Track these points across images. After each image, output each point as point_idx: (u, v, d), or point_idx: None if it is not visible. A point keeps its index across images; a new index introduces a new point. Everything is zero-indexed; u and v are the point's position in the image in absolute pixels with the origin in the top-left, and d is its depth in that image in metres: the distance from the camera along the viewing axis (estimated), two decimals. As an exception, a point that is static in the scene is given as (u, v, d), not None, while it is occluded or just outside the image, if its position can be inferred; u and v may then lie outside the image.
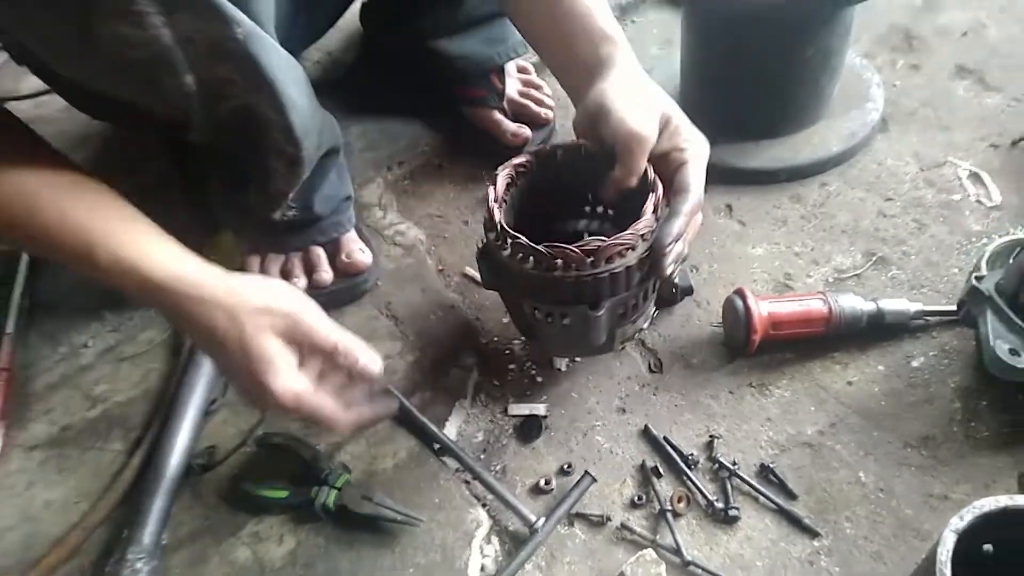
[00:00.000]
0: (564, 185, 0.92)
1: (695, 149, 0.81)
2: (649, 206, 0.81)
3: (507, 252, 0.82)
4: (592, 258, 0.78)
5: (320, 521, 0.85)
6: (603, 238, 0.79)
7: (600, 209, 0.97)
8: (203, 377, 0.96)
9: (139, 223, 0.76)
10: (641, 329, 0.93)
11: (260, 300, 0.72)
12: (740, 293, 0.93)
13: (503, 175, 0.88)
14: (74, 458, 0.93)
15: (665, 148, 0.81)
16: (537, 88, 1.30)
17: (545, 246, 0.79)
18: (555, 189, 0.92)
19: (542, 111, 1.26)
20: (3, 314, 1.03)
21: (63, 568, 0.82)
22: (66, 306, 1.09)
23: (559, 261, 0.79)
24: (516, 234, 0.80)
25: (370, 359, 0.76)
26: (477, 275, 0.93)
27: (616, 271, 0.79)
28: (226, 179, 1.03)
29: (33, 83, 1.43)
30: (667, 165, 0.82)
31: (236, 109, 0.81)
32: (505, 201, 0.88)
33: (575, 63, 0.85)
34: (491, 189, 0.86)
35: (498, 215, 0.83)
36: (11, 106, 1.37)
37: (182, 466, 0.88)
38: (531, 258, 0.80)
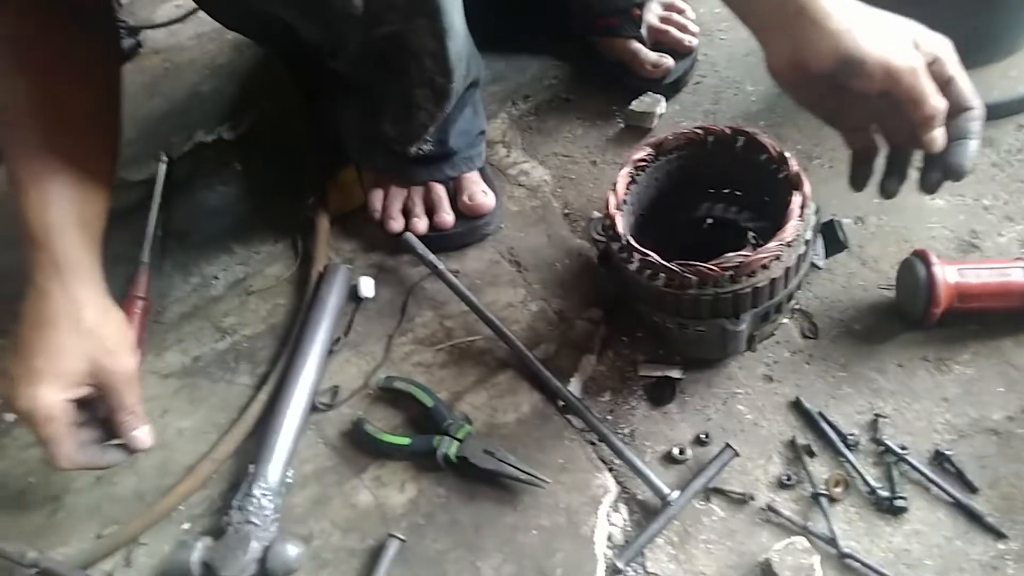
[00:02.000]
0: (701, 172, 0.83)
1: (949, 55, 0.69)
2: (795, 208, 0.73)
3: (634, 266, 0.74)
4: (732, 273, 0.71)
5: (441, 471, 0.82)
6: (745, 253, 0.71)
7: (727, 190, 0.89)
8: (327, 315, 0.94)
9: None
10: (782, 323, 0.84)
11: (97, 341, 0.73)
12: (922, 256, 0.80)
13: (623, 175, 0.79)
14: (205, 388, 0.95)
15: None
16: (680, 12, 1.17)
17: (679, 264, 0.71)
18: (689, 176, 0.83)
19: (685, 38, 1.13)
20: (139, 244, 1.05)
21: (194, 497, 0.84)
22: (197, 237, 1.11)
23: (695, 279, 0.71)
24: (645, 251, 0.73)
25: (144, 438, 0.76)
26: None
27: (759, 285, 0.71)
28: (361, 111, 0.99)
29: (167, 11, 1.45)
30: None
31: (389, 36, 0.78)
32: (626, 202, 0.80)
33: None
34: (611, 194, 0.79)
35: (621, 224, 0.76)
36: (145, 34, 1.40)
37: (307, 404, 0.88)
38: (661, 275, 0.72)
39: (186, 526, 0.83)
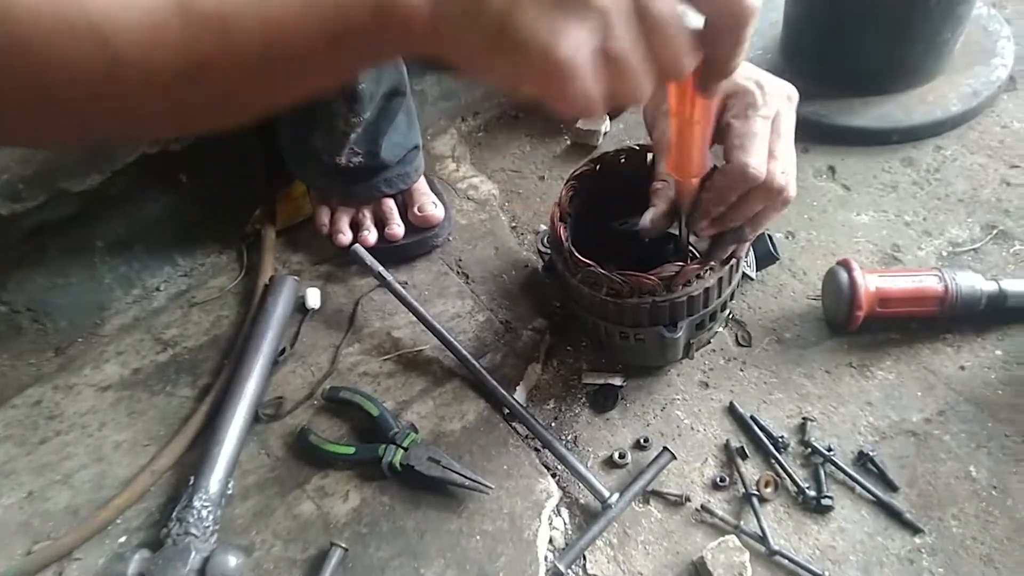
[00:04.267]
0: (629, 187, 0.86)
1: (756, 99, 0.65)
2: None
3: (578, 277, 0.77)
4: (668, 283, 0.74)
5: (386, 480, 0.82)
6: (680, 264, 0.74)
7: None
8: (272, 326, 0.94)
9: None
10: (717, 332, 0.87)
11: None
12: (845, 264, 0.85)
13: (567, 188, 0.83)
14: (144, 401, 0.93)
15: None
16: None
17: (619, 274, 0.74)
18: (620, 190, 0.86)
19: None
20: (81, 257, 1.03)
21: (132, 510, 0.83)
22: (139, 248, 1.09)
23: (634, 288, 0.74)
24: (587, 261, 0.76)
25: None
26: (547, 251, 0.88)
27: (694, 294, 0.75)
28: (294, 122, 1.00)
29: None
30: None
31: None
32: (570, 214, 0.82)
33: None
34: (555, 206, 0.82)
35: (564, 235, 0.79)
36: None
37: (250, 415, 0.87)
38: (604, 286, 0.75)
39: (122, 540, 0.81)
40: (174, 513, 0.78)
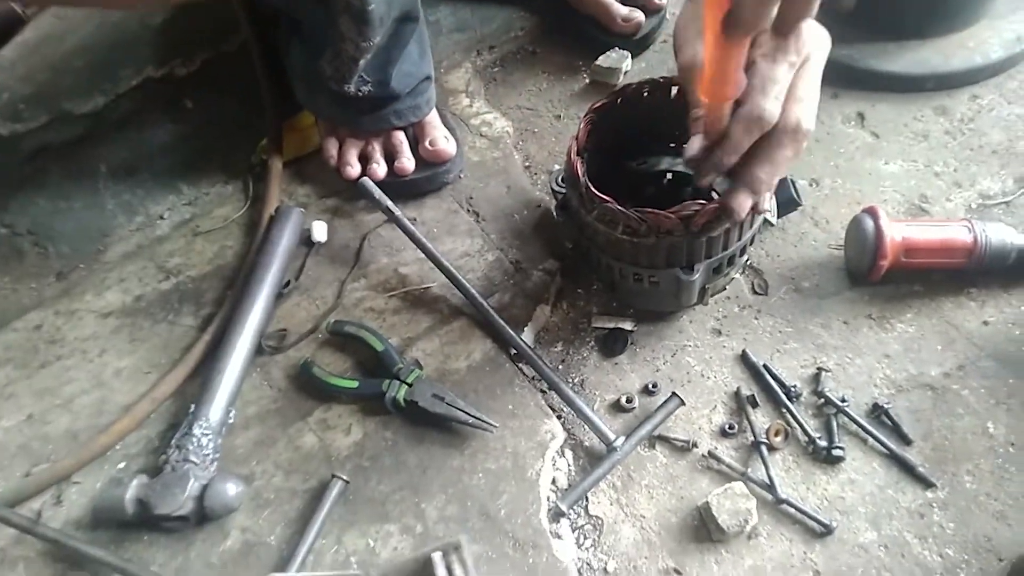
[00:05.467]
0: (650, 124, 0.82)
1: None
2: None
3: (594, 214, 0.74)
4: (689, 223, 0.70)
5: (389, 415, 0.81)
6: (701, 202, 0.71)
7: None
8: (277, 258, 0.92)
9: None
10: (733, 278, 0.84)
11: None
12: (871, 212, 0.81)
13: (585, 121, 0.79)
14: (146, 329, 0.92)
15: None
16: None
17: (636, 211, 0.71)
18: (641, 128, 0.82)
19: (656, -7, 1.12)
20: (84, 182, 1.01)
21: (131, 436, 0.82)
22: (143, 174, 1.06)
23: (652, 227, 0.70)
24: (605, 197, 0.72)
25: None
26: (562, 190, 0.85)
27: (714, 235, 0.72)
28: (303, 48, 0.96)
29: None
30: None
31: None
32: (587, 150, 0.79)
33: None
34: (572, 140, 0.78)
35: (581, 170, 0.75)
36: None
37: (253, 346, 0.86)
38: (620, 222, 0.72)
39: (121, 465, 0.80)
40: (173, 440, 0.78)
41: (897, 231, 0.80)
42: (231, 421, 0.81)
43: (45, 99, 1.02)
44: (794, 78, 0.62)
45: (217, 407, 0.80)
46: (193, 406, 0.80)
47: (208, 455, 0.77)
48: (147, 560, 0.73)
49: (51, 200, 1.03)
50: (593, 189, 0.74)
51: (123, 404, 0.85)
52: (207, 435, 0.78)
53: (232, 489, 0.75)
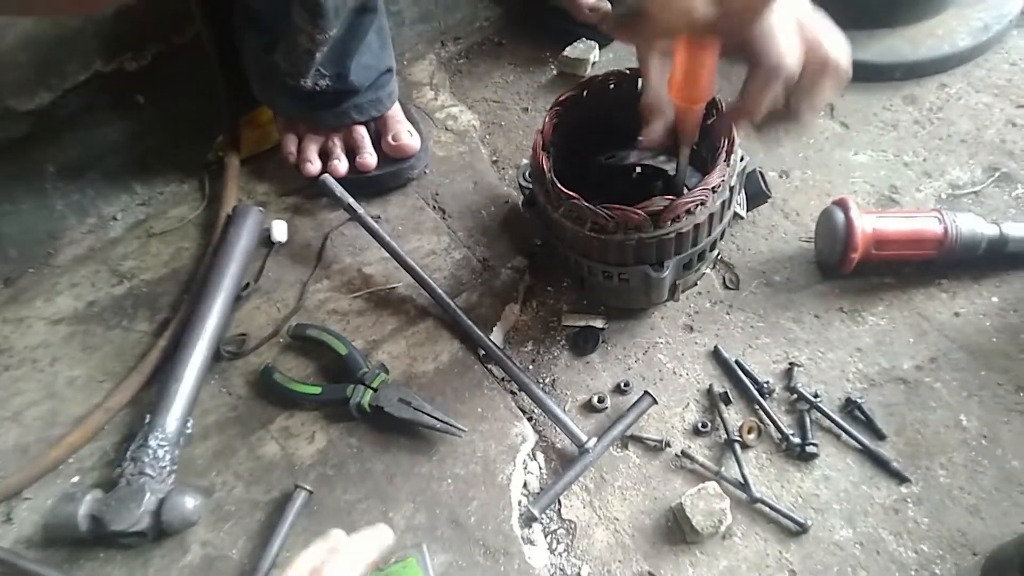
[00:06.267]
0: (618, 117, 0.80)
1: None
2: (722, 153, 0.70)
3: (560, 211, 0.72)
4: (656, 218, 0.69)
5: (354, 421, 0.79)
6: (669, 197, 0.69)
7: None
8: (235, 260, 0.89)
9: None
10: (704, 273, 0.83)
11: None
12: (842, 204, 0.80)
13: (551, 114, 0.77)
14: (99, 336, 0.88)
15: None
16: (617, -44, 1.13)
17: (604, 207, 0.69)
18: (608, 121, 0.80)
19: (622, -17, 1.10)
20: (29, 181, 0.96)
21: (84, 449, 0.79)
22: (94, 174, 1.02)
23: (620, 223, 0.69)
24: (571, 193, 0.71)
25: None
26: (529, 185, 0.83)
27: (683, 231, 0.70)
28: (259, 40, 0.92)
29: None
30: None
31: None
32: (554, 145, 0.77)
33: None
34: (538, 135, 0.76)
35: (547, 165, 0.73)
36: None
37: (211, 352, 0.83)
38: (588, 220, 0.70)
39: (75, 479, 0.77)
40: (128, 452, 0.74)
41: (868, 223, 0.79)
42: (189, 431, 0.78)
43: (-13, 96, 0.97)
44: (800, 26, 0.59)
45: (174, 416, 0.77)
46: (149, 416, 0.77)
47: (165, 467, 0.74)
48: (102, 579, 0.70)
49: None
50: (559, 185, 0.72)
51: (75, 415, 0.81)
52: (164, 446, 0.75)
53: (190, 502, 0.72)
